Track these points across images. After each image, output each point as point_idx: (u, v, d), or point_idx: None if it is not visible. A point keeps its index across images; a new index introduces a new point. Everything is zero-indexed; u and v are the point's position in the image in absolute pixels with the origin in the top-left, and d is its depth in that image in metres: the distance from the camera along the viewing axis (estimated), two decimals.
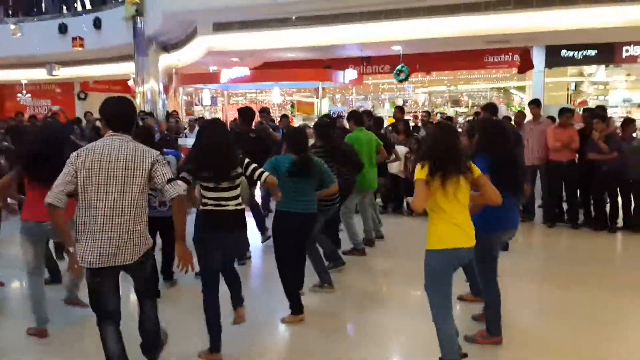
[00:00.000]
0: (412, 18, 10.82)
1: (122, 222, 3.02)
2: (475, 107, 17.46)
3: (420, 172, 3.32)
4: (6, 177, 4.54)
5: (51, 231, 4.10)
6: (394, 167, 8.78)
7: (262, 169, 3.96)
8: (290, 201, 4.52)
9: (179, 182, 3.33)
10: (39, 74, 17.38)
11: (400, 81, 14.31)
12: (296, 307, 4.59)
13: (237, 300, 4.09)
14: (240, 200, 3.88)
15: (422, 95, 19.71)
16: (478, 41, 12.81)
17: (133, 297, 3.46)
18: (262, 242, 6.91)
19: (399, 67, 13.68)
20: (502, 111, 13.16)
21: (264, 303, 4.98)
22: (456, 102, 20.03)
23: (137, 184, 3.05)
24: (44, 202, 2.98)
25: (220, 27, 12.37)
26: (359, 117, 6.92)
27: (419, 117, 13.25)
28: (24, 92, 19.73)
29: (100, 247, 2.99)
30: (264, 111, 9.46)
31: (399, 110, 10.43)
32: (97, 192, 2.99)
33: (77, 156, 3.03)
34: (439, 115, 16.50)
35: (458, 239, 3.34)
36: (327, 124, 6.06)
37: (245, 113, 6.86)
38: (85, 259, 3.01)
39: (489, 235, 3.81)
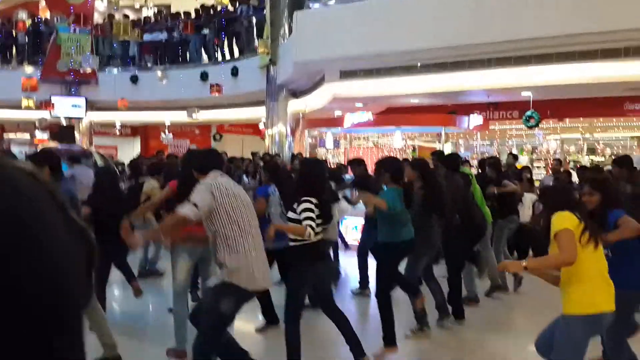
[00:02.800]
0: (543, 64, 10.44)
1: None
2: (612, 156, 16.27)
3: (564, 221, 2.95)
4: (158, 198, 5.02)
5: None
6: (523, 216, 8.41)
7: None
8: (399, 231, 4.64)
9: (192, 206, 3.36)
10: (181, 117, 18.95)
11: (530, 127, 13.76)
12: (391, 339, 4.58)
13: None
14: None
15: (553, 142, 18.74)
16: (617, 88, 12.01)
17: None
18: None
19: (528, 112, 13.18)
20: None
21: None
22: (592, 151, 18.78)
23: None
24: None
25: (347, 74, 12.76)
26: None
27: (550, 165, 12.61)
28: (167, 132, 21.58)
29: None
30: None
31: (513, 158, 9.91)
32: None
33: None
34: (571, 163, 15.59)
35: (607, 300, 2.94)
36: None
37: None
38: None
39: (629, 294, 3.44)
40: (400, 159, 6.02)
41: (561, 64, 10.26)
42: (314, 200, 3.82)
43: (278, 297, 4.94)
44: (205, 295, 3.73)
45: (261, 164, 10.49)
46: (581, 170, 10.23)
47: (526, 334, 5.70)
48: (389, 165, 4.80)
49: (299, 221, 3.81)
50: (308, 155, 16.71)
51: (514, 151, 18.09)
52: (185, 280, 4.52)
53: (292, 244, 3.90)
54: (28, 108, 17.14)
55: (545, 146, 19.03)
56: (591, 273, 2.93)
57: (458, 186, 5.73)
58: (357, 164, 7.49)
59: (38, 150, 4.94)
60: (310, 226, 3.74)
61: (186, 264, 4.48)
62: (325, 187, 4.16)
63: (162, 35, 18.42)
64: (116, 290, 6.26)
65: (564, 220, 2.94)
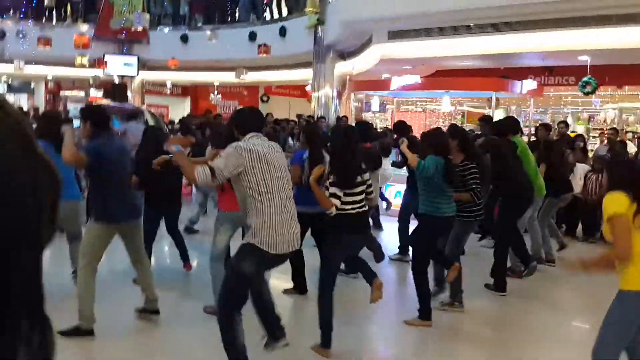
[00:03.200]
0: (602, 26, 9.89)
1: None
2: None
3: (615, 205, 2.81)
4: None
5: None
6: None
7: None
8: (439, 204, 4.57)
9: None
10: (229, 77, 19.05)
11: (586, 94, 13.18)
12: (427, 313, 4.55)
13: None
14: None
15: (611, 111, 17.91)
16: None
17: None
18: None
19: (585, 78, 12.60)
20: None
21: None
22: None
23: None
24: None
25: (395, 35, 12.46)
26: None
27: (605, 135, 12.09)
28: (215, 92, 21.81)
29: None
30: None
31: (544, 128, 8.71)
32: None
33: None
34: (629, 134, 14.91)
35: None
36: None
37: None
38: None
39: None
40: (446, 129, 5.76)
41: (621, 26, 9.69)
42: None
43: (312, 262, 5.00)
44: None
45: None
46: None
47: (568, 309, 5.60)
48: (433, 140, 4.70)
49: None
50: (354, 119, 16.58)
51: (569, 120, 17.43)
52: (225, 248, 4.57)
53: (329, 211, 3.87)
54: (81, 66, 17.58)
55: (603, 115, 18.23)
56: None
57: (500, 155, 5.53)
58: (397, 129, 7.35)
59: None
60: (335, 205, 3.77)
61: (227, 233, 4.54)
62: (355, 157, 4.01)
63: None
64: (159, 246, 6.41)
65: (615, 204, 2.82)
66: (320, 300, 3.92)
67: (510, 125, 6.45)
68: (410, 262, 4.77)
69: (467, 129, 9.24)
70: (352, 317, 4.66)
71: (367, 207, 4.06)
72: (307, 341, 4.02)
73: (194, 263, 6.09)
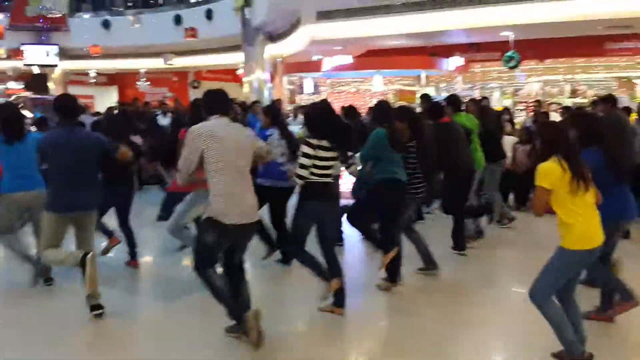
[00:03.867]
0: (523, 1, 10.18)
1: None
2: (595, 98, 16.18)
3: (544, 177, 3.09)
4: None
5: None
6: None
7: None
8: (391, 170, 4.66)
9: None
10: (157, 64, 18.46)
11: (511, 68, 13.61)
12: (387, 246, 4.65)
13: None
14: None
15: (535, 84, 18.58)
16: (598, 26, 11.81)
17: None
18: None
19: (509, 53, 13.00)
20: (624, 102, 12.09)
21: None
22: (574, 92, 18.66)
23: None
24: None
25: (324, 15, 12.40)
26: (458, 103, 6.63)
27: (531, 108, 12.53)
28: (143, 80, 21.08)
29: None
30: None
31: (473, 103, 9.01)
32: None
33: None
34: (553, 105, 15.51)
35: (600, 234, 3.20)
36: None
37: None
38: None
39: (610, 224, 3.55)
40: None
41: (542, 2, 10.03)
42: (314, 141, 4.01)
43: None
44: None
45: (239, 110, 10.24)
46: (564, 110, 10.13)
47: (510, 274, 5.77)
48: (375, 109, 5.05)
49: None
50: (288, 102, 16.46)
51: (497, 94, 17.98)
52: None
53: (298, 181, 4.12)
54: None
55: (528, 89, 18.89)
56: (587, 213, 3.15)
57: (446, 132, 5.65)
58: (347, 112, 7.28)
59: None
60: (298, 174, 4.05)
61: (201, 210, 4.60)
62: (337, 126, 4.24)
63: None
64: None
65: (545, 176, 3.09)
66: (300, 260, 4.23)
67: (454, 103, 6.52)
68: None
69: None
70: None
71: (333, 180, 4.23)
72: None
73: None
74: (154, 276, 5.43)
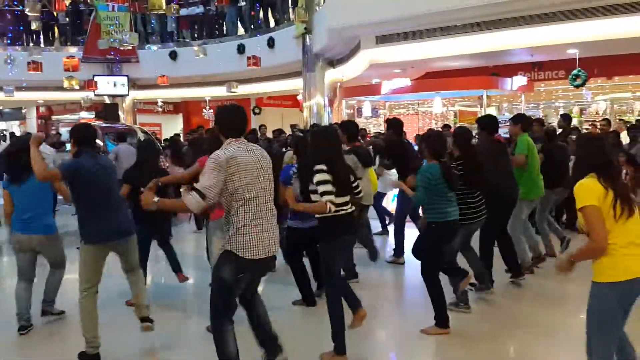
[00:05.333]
0: (588, 19, 9.91)
1: None
2: None
3: (587, 194, 2.68)
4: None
5: None
6: None
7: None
8: (444, 210, 4.50)
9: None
10: (220, 92, 19.04)
11: (577, 87, 13.23)
12: (443, 321, 4.49)
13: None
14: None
15: (602, 102, 17.95)
16: None
17: None
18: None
19: (574, 71, 12.66)
20: None
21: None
22: None
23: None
24: None
25: (383, 39, 12.48)
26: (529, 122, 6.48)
27: (598, 127, 12.07)
28: (207, 107, 21.79)
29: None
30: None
31: (538, 123, 8.44)
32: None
33: None
34: (621, 124, 14.93)
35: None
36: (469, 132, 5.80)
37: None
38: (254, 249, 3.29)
39: None
40: (442, 130, 5.77)
41: (608, 17, 9.72)
42: (324, 167, 3.78)
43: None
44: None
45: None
46: (632, 129, 9.70)
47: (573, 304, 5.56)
48: (430, 142, 4.61)
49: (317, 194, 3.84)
50: None
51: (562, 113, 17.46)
52: None
53: (318, 217, 3.89)
54: (71, 88, 17.52)
55: (595, 107, 18.26)
56: (626, 241, 2.69)
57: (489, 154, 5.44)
58: (390, 125, 7.27)
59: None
60: (331, 201, 3.74)
61: (221, 241, 4.46)
62: (339, 152, 4.10)
63: (199, 9, 18.45)
64: (157, 264, 6.36)
65: (587, 193, 2.68)
66: (331, 305, 3.91)
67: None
68: (421, 266, 4.65)
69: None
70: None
71: (353, 208, 4.05)
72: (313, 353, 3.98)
73: (191, 280, 6.04)
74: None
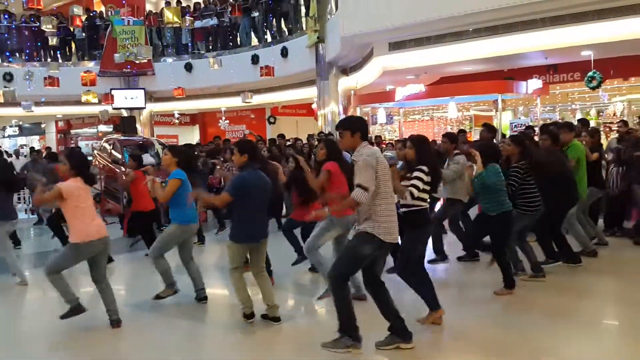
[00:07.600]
0: (601, 20, 9.85)
1: None
2: None
3: None
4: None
5: None
6: None
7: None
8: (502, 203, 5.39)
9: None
10: (236, 102, 19.21)
11: (593, 89, 13.11)
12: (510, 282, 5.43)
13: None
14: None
15: (619, 104, 17.72)
16: None
17: None
18: None
19: (590, 73, 12.55)
20: None
21: None
22: None
23: None
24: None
25: (396, 46, 12.52)
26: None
27: (617, 128, 11.93)
28: (223, 118, 21.98)
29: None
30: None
31: (487, 129, 8.55)
32: None
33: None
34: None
35: None
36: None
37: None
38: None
39: None
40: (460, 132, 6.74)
41: (622, 18, 9.66)
42: (425, 169, 4.55)
43: None
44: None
45: (316, 143, 10.49)
46: None
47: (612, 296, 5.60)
48: (485, 150, 5.46)
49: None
50: None
51: (578, 115, 17.30)
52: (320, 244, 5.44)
53: (402, 210, 4.55)
54: (88, 102, 17.80)
55: (612, 109, 18.04)
56: None
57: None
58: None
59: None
60: (411, 191, 4.46)
61: (333, 235, 5.33)
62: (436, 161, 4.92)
63: (213, 21, 18.66)
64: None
65: None
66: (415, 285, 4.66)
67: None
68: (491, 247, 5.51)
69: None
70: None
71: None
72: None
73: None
74: None
